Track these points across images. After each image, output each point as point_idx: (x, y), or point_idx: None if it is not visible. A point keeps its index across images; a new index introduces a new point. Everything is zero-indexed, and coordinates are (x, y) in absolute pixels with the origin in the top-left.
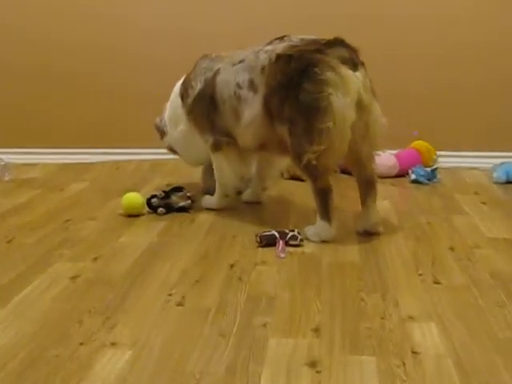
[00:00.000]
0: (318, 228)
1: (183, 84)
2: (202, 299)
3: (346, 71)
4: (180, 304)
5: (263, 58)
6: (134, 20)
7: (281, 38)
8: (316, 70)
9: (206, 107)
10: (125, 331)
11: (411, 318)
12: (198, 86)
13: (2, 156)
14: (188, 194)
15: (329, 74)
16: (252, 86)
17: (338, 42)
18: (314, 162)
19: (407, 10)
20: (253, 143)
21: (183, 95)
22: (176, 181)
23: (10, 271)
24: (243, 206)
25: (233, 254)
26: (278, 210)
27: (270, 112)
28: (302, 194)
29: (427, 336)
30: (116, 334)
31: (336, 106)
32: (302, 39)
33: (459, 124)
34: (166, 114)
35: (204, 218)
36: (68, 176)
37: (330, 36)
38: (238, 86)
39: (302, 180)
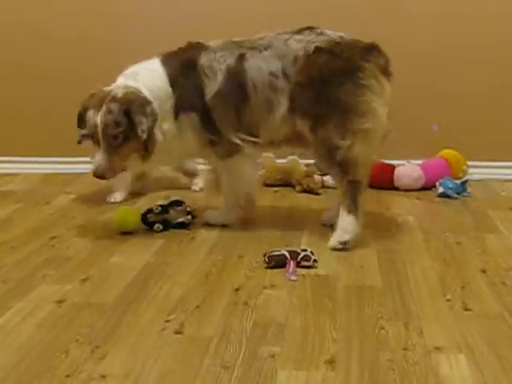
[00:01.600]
0: (344, 223)
1: (182, 71)
2: (202, 326)
3: (384, 81)
4: (178, 332)
5: (296, 48)
6: (130, 19)
7: (309, 29)
8: (360, 75)
9: (234, 99)
10: (116, 362)
11: (438, 348)
12: (218, 75)
13: None
14: (188, 209)
15: (372, 82)
16: (285, 75)
17: (376, 49)
18: (351, 155)
19: (442, 7)
20: (280, 137)
21: (183, 86)
22: (175, 193)
23: None
24: (250, 221)
25: (238, 276)
26: (288, 227)
27: (293, 104)
28: (316, 209)
29: (455, 369)
30: (106, 366)
31: (379, 112)
32: (340, 36)
33: (492, 131)
34: None
35: (206, 235)
36: (53, 188)
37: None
38: (273, 74)
39: (317, 193)
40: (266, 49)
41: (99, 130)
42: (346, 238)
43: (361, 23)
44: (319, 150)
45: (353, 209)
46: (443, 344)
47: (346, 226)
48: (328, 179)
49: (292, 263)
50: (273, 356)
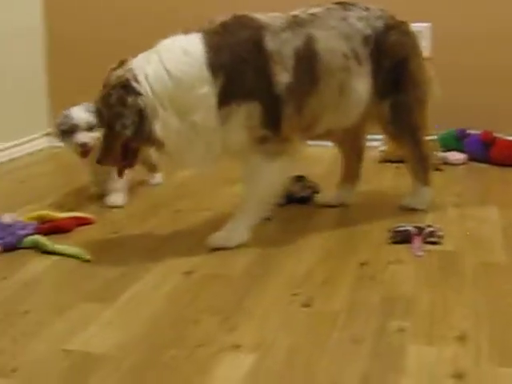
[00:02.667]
0: (423, 195)
1: (239, 54)
2: (330, 300)
3: None
4: (306, 305)
5: (362, 27)
6: None
7: (349, 4)
8: (417, 43)
9: (304, 88)
10: (246, 333)
11: None
12: (288, 61)
13: None
14: (310, 184)
15: (421, 48)
16: (356, 56)
17: None
18: (425, 132)
19: None
20: (349, 123)
21: (238, 71)
22: (296, 169)
23: (118, 265)
24: (371, 198)
25: (363, 251)
26: None
27: (371, 86)
28: (439, 185)
29: None
30: (236, 337)
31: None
32: (383, 10)
33: None
34: (154, 87)
35: (329, 210)
36: None
37: None
38: (345, 55)
39: (439, 169)
40: (330, 29)
41: None
42: (423, 207)
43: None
44: (399, 129)
45: (428, 180)
46: None
47: (426, 198)
48: (449, 156)
49: (418, 239)
50: (402, 330)
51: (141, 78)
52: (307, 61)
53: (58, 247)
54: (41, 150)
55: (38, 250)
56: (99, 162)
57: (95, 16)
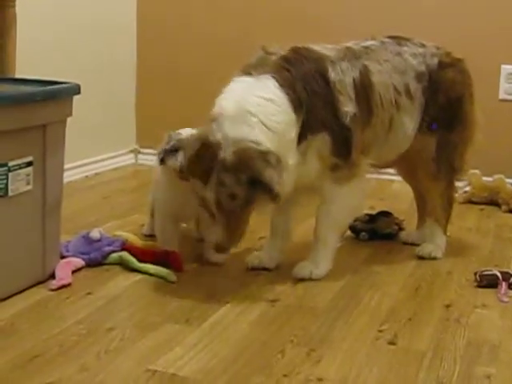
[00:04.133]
0: (440, 241)
1: (309, 87)
2: (415, 340)
3: None
4: (392, 343)
5: (416, 63)
6: None
7: (403, 39)
8: (471, 82)
9: (363, 117)
10: (331, 367)
11: None
12: (350, 91)
13: None
14: (397, 221)
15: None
16: (408, 92)
17: None
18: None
19: None
20: (390, 158)
21: (311, 105)
22: (381, 203)
23: (203, 288)
24: (454, 239)
25: (448, 293)
26: (496, 247)
27: (420, 123)
28: None
29: None
30: (322, 369)
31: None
32: (437, 46)
33: None
34: (268, 145)
35: (411, 247)
36: None
37: None
38: (396, 90)
39: None
40: (384, 62)
41: (212, 205)
42: (440, 254)
43: None
44: (438, 169)
45: (446, 228)
46: None
47: (442, 244)
48: None
49: (504, 284)
50: (488, 377)
51: (261, 138)
52: (364, 92)
53: (144, 266)
54: (125, 167)
55: (122, 267)
56: (222, 250)
57: (180, 46)
